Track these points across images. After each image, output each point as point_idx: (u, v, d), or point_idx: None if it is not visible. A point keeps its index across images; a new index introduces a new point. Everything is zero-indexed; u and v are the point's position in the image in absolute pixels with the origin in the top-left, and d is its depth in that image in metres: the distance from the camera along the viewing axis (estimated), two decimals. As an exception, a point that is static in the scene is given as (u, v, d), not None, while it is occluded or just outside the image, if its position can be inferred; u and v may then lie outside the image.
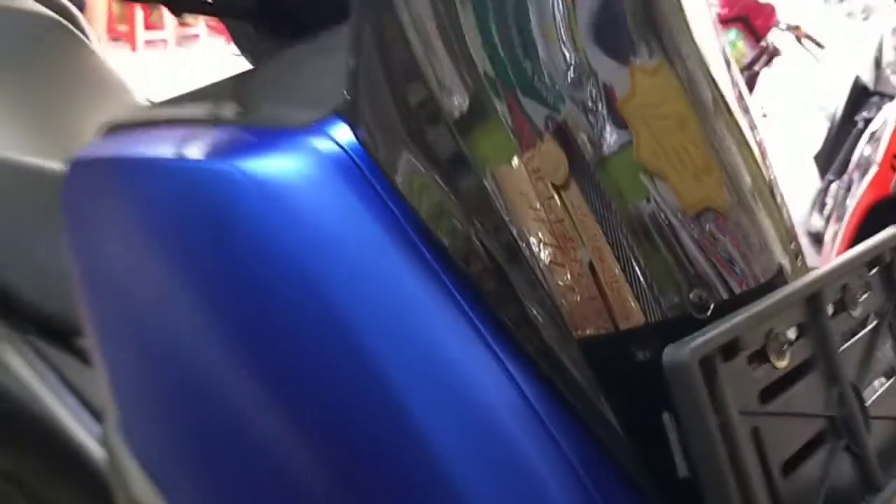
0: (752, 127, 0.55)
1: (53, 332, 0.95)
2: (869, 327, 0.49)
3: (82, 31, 1.13)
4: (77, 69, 1.10)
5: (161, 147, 0.45)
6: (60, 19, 1.13)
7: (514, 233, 0.43)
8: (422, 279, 0.43)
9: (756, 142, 0.55)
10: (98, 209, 0.49)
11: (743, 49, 3.32)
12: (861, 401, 0.45)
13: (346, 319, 0.41)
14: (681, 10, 0.50)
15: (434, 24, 0.43)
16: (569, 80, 0.46)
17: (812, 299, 0.43)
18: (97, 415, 0.93)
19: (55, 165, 0.94)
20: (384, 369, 0.41)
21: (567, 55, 0.45)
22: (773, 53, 3.52)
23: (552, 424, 0.43)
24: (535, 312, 0.43)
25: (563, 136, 0.45)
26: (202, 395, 0.45)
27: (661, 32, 0.49)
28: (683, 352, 0.35)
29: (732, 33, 3.31)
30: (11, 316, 0.95)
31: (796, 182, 2.63)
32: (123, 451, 0.50)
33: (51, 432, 0.92)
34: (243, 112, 0.45)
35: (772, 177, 0.56)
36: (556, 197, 0.44)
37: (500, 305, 0.43)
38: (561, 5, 0.45)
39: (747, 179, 0.52)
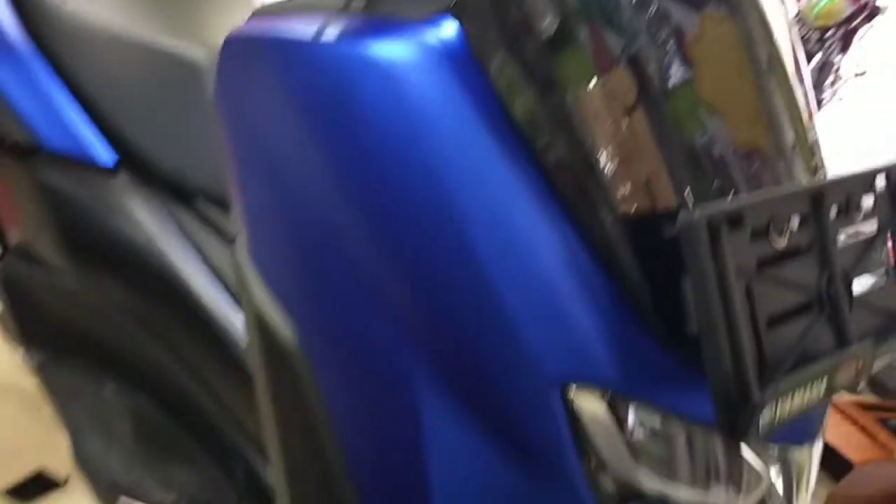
0: (805, 94, 0.64)
1: (179, 193, 1.10)
2: (869, 233, 0.58)
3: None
4: None
5: (299, 30, 0.57)
6: None
7: (587, 143, 0.53)
8: (506, 157, 0.53)
9: (805, 106, 0.64)
10: (246, 79, 0.61)
11: (841, 4, 3.25)
12: (849, 285, 0.54)
13: (441, 178, 0.53)
14: None
15: None
16: (646, 17, 0.56)
17: (816, 196, 0.53)
18: (212, 267, 1.08)
19: (188, 51, 1.08)
20: (467, 220, 0.53)
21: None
22: (874, 11, 3.42)
23: (595, 280, 0.54)
24: (593, 198, 0.54)
25: (636, 65, 0.55)
26: (322, 228, 0.57)
27: None
28: (694, 214, 0.46)
29: (831, -16, 3.23)
30: (142, 174, 1.10)
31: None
32: (250, 268, 0.63)
33: (170, 278, 1.07)
34: (368, 4, 0.56)
35: (814, 139, 0.66)
36: (625, 118, 0.54)
37: (566, 188, 0.54)
38: None
39: (791, 135, 0.62)
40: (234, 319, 1.06)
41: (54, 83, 1.14)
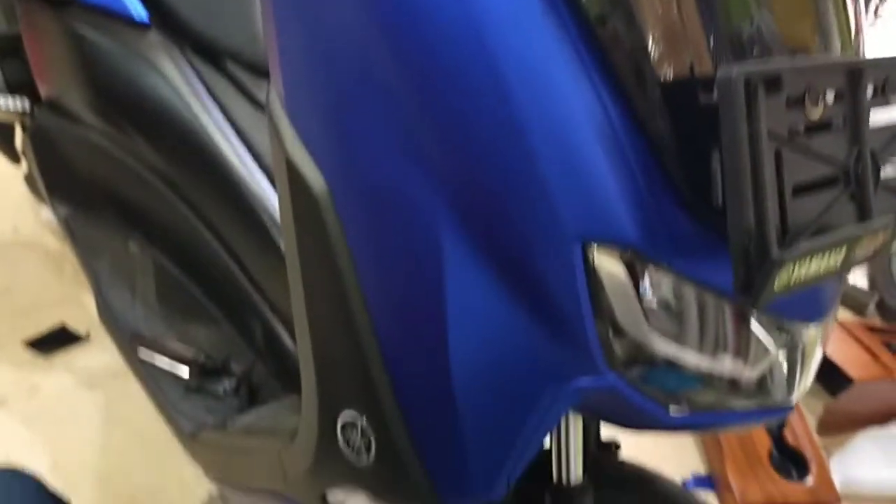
0: (856, 7, 0.62)
1: (209, 54, 1.10)
2: (904, 118, 0.58)
3: None
4: None
5: None
6: None
7: (633, 8, 0.53)
8: (549, 9, 0.53)
9: (855, 19, 0.63)
10: None
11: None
12: (876, 165, 0.55)
13: (484, 24, 0.52)
14: None
15: None
16: None
17: (855, 71, 0.53)
18: (238, 130, 1.09)
19: None
20: (506, 67, 0.53)
21: None
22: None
23: (627, 141, 0.54)
24: (634, 59, 0.54)
25: None
26: (359, 72, 0.58)
27: None
28: (733, 70, 0.46)
29: None
30: (174, 32, 1.10)
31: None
32: (282, 117, 0.64)
33: (196, 138, 1.08)
34: None
35: (861, 53, 0.65)
36: (675, 5, 0.54)
37: (608, 46, 0.54)
38: None
39: (838, 44, 0.61)
40: (258, 182, 1.08)
41: None
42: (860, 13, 0.65)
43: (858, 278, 2.40)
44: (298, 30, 0.62)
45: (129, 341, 1.20)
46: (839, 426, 1.80)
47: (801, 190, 0.51)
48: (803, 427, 1.74)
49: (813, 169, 0.52)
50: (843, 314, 2.26)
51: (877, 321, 2.23)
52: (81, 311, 1.86)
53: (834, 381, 1.83)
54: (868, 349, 1.87)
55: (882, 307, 2.27)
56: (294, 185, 0.64)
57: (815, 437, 1.75)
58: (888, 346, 1.95)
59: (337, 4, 0.58)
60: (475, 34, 0.53)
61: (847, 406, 1.79)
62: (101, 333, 1.29)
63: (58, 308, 1.88)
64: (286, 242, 0.69)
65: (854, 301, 2.32)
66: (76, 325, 1.84)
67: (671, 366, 0.60)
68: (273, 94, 0.65)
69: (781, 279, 0.47)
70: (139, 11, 1.13)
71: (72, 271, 1.95)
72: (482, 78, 0.54)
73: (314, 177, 0.63)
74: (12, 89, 1.39)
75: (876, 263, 2.34)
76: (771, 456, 1.67)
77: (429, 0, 0.54)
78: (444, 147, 0.56)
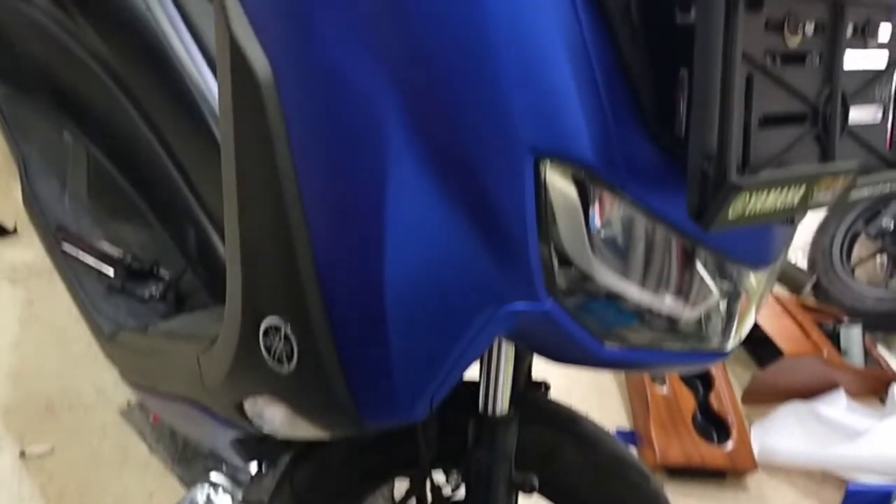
0: None
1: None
2: (879, 64, 0.56)
3: None
4: None
5: None
6: None
7: None
8: None
9: None
10: None
11: None
12: (846, 108, 0.53)
13: None
14: None
15: None
16: None
17: (836, 5, 0.50)
18: (193, 27, 1.02)
19: None
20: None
21: None
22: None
23: (595, 58, 0.51)
24: None
25: None
26: None
27: None
28: (716, -25, 0.43)
29: None
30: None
31: None
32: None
33: (148, 32, 1.02)
34: None
35: None
36: None
37: None
38: None
39: None
40: (206, 78, 1.03)
41: None
42: None
43: (799, 258, 2.43)
44: None
45: (53, 233, 1.14)
46: (764, 397, 1.83)
47: (768, 122, 0.49)
48: (729, 394, 1.76)
49: (782, 102, 0.50)
50: (780, 291, 2.29)
51: (812, 301, 2.27)
52: (10, 203, 1.77)
53: (764, 352, 1.86)
54: (801, 325, 1.91)
55: (818, 288, 2.31)
56: (236, 68, 0.60)
57: (740, 405, 1.78)
58: (820, 325, 1.99)
59: None
60: None
61: (774, 378, 1.82)
62: (31, 229, 1.23)
63: (-15, 199, 1.79)
64: (223, 132, 0.65)
65: (792, 280, 2.36)
66: (4, 218, 1.76)
67: (611, 298, 0.58)
68: None
69: (737, 207, 0.45)
70: None
71: (4, 161, 1.86)
72: None
73: (258, 58, 0.58)
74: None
75: (817, 245, 2.37)
76: (695, 419, 1.70)
77: None
78: (402, 35, 0.52)
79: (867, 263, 2.39)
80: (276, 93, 0.58)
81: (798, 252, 2.44)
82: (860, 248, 2.39)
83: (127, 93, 1.13)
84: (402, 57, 0.53)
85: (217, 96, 0.97)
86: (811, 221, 2.41)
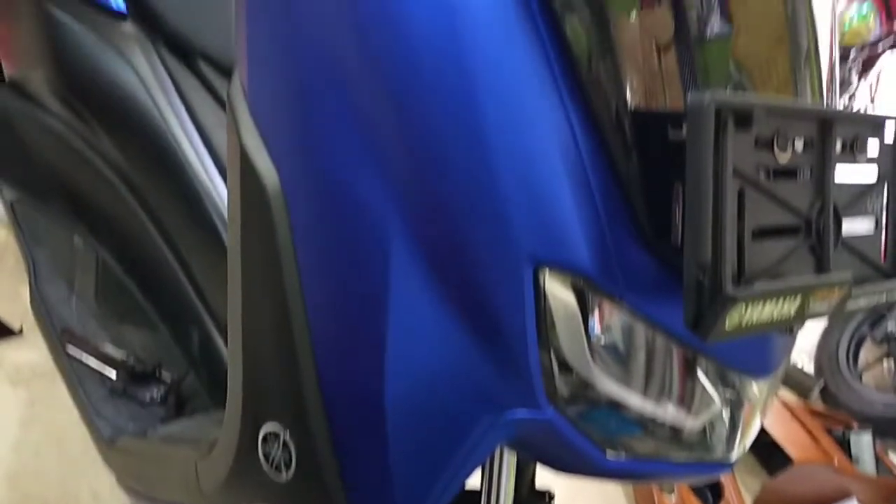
0: (831, 100, 0.63)
1: (181, 50, 1.08)
2: (869, 179, 0.57)
3: None
4: None
5: None
6: None
7: (615, 54, 0.52)
8: (528, 34, 0.52)
9: (832, 100, 0.63)
10: None
11: (872, 24, 3.24)
12: (838, 220, 0.54)
13: (459, 37, 0.51)
14: None
15: None
16: None
17: (826, 122, 0.52)
18: (202, 130, 1.06)
19: None
20: (476, 82, 0.52)
21: None
22: (900, 40, 3.41)
23: (592, 170, 0.53)
24: (608, 92, 0.53)
25: (677, 7, 0.54)
26: (327, 69, 0.56)
27: None
28: (706, 97, 0.45)
29: (866, 6, 3.22)
30: (149, 26, 1.08)
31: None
32: (242, 106, 0.62)
33: (158, 135, 1.05)
34: None
35: None
36: (656, 54, 0.54)
37: (583, 77, 0.53)
38: None
39: (810, 98, 0.61)
40: (215, 185, 1.05)
41: None
42: (836, 72, 0.65)
43: (805, 362, 2.41)
44: (268, 20, 0.60)
45: (58, 335, 1.15)
46: (774, 507, 1.79)
47: (762, 234, 0.50)
48: (738, 502, 1.72)
49: (775, 214, 0.51)
50: (788, 396, 2.27)
51: (820, 406, 2.24)
52: (18, 304, 1.78)
53: (773, 460, 1.83)
54: (810, 432, 1.87)
55: (826, 393, 2.28)
56: (245, 177, 0.62)
57: (750, 514, 1.74)
58: (829, 431, 1.96)
59: (317, 17, 0.56)
60: (451, 45, 0.52)
61: (784, 486, 1.78)
62: (36, 331, 1.24)
63: (-7, 299, 1.80)
64: (230, 237, 0.66)
65: (799, 385, 2.33)
66: (11, 318, 1.76)
67: (613, 406, 0.58)
68: (236, 82, 0.63)
69: (733, 318, 0.46)
70: (118, 1, 1.11)
71: (14, 262, 1.88)
72: (453, 89, 0.52)
73: (267, 169, 0.60)
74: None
75: (823, 349, 2.36)
76: (703, 528, 1.66)
77: (406, 5, 0.52)
78: (406, 153, 0.54)
79: (875, 368, 2.37)
80: (283, 203, 0.60)
81: (804, 356, 2.42)
82: (866, 353, 2.38)
83: (138, 197, 1.15)
84: (405, 171, 0.54)
85: (226, 202, 1.00)
86: (816, 325, 2.40)
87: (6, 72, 1.28)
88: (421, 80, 0.52)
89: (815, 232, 0.53)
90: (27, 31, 1.18)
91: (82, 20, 1.11)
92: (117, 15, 1.11)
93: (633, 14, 0.54)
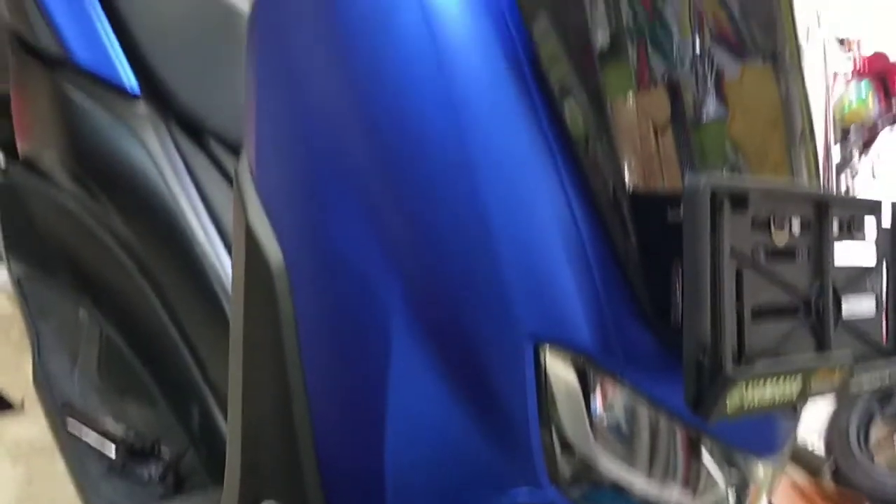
0: (828, 181, 0.65)
1: (192, 130, 1.11)
2: (868, 261, 0.58)
3: None
4: None
5: None
6: None
7: (613, 136, 0.54)
8: (528, 113, 0.54)
9: (829, 182, 0.65)
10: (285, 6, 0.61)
11: (871, 104, 3.30)
12: (838, 301, 0.54)
13: (460, 118, 0.53)
14: (796, 46, 0.61)
15: None
16: (690, 52, 0.57)
17: (821, 204, 0.53)
18: (211, 209, 1.08)
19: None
20: (478, 162, 0.53)
21: (694, 39, 0.57)
22: (900, 119, 3.47)
23: (591, 249, 0.54)
24: (604, 169, 0.54)
25: (673, 90, 0.56)
26: (332, 149, 0.57)
27: (777, 55, 0.59)
28: (701, 180, 0.46)
29: (864, 86, 3.29)
30: (161, 105, 1.11)
31: None
32: (249, 185, 0.63)
33: (166, 212, 1.07)
34: None
35: None
36: (653, 136, 0.55)
37: (581, 156, 0.54)
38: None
39: (806, 180, 0.63)
40: (223, 263, 1.06)
41: (94, 2, 1.15)
42: (831, 153, 0.66)
43: (815, 442, 2.37)
44: (277, 101, 0.62)
45: (59, 410, 1.14)
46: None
47: (762, 313, 0.50)
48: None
49: (774, 295, 0.51)
50: (798, 476, 2.22)
51: (831, 486, 2.19)
52: (20, 377, 1.78)
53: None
54: (821, 513, 1.83)
55: (837, 473, 2.23)
56: (250, 254, 0.63)
57: None
58: (841, 513, 1.91)
59: (319, 83, 0.58)
60: (453, 129, 0.53)
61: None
62: (37, 405, 1.23)
63: (-4, 372, 1.80)
64: (233, 313, 0.67)
65: (809, 464, 2.29)
66: (13, 392, 1.76)
67: (616, 487, 0.57)
68: (243, 161, 0.65)
69: (734, 399, 0.46)
70: (131, 81, 1.14)
71: (18, 336, 1.88)
72: (455, 173, 0.53)
73: (272, 247, 0.61)
74: (-7, 144, 1.38)
75: (832, 428, 2.32)
76: None
77: (410, 89, 0.54)
78: (408, 233, 0.55)
79: (886, 446, 2.33)
80: (286, 280, 0.61)
81: (814, 435, 2.38)
82: (877, 431, 2.34)
83: (145, 272, 1.16)
84: (408, 251, 0.55)
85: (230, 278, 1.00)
86: (824, 404, 2.37)
87: (20, 149, 1.30)
88: (424, 164, 0.54)
89: (815, 312, 0.53)
90: (42, 109, 1.21)
91: (96, 99, 1.14)
92: (130, 95, 1.13)
93: (630, 97, 0.55)
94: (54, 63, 1.16)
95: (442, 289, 0.55)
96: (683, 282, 0.48)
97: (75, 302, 1.27)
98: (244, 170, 0.64)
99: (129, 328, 1.22)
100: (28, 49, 1.19)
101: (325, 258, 0.60)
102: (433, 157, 0.53)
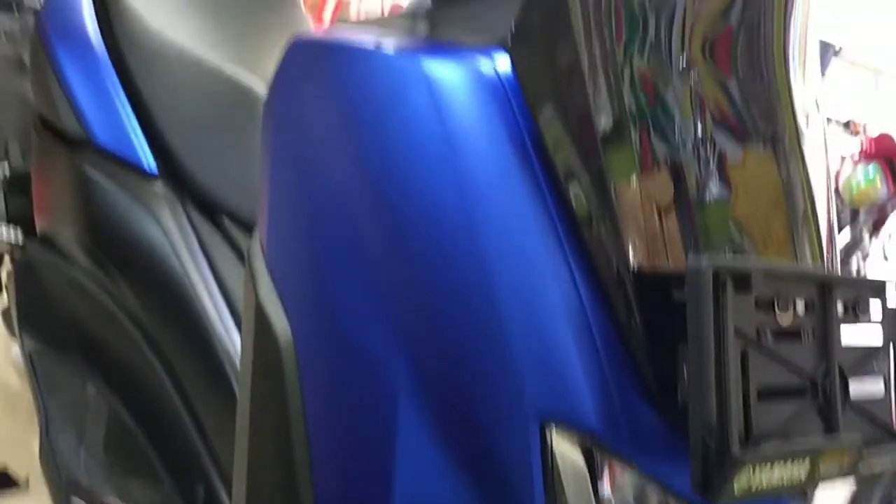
0: (831, 258, 0.65)
1: (208, 209, 1.13)
2: (875, 342, 0.58)
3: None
4: (284, 13, 1.31)
5: (361, 39, 0.60)
6: None
7: (618, 218, 0.55)
8: (535, 196, 0.55)
9: (832, 260, 0.65)
10: (300, 77, 0.64)
11: (879, 185, 3.33)
12: (845, 382, 0.54)
13: (468, 202, 0.54)
14: (796, 130, 0.62)
15: (596, 46, 0.55)
16: (692, 135, 0.58)
17: (825, 284, 0.53)
18: (224, 287, 1.09)
19: (248, 80, 1.14)
20: (486, 245, 0.54)
21: (696, 123, 0.58)
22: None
23: (597, 330, 0.54)
24: (609, 249, 0.55)
25: (676, 172, 0.58)
26: (343, 229, 0.59)
27: (778, 138, 0.61)
28: (703, 261, 0.46)
29: (871, 168, 3.33)
30: (178, 185, 1.13)
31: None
32: (260, 262, 0.64)
33: (179, 290, 1.08)
34: (430, 32, 0.60)
35: None
36: (657, 217, 0.56)
37: (587, 239, 0.55)
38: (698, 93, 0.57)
39: (810, 261, 0.63)
40: (234, 343, 1.07)
41: (115, 84, 1.19)
42: (835, 253, 0.67)
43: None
44: (289, 183, 0.64)
45: (64, 489, 1.13)
46: None
47: (768, 394, 0.50)
48: None
49: (780, 375, 0.51)
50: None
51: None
52: (26, 454, 1.76)
53: None
54: None
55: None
56: (259, 331, 0.64)
57: None
58: None
59: (330, 165, 0.60)
60: (462, 212, 0.55)
61: None
62: (41, 483, 1.22)
63: (3, 448, 1.78)
64: (240, 390, 0.67)
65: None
66: (18, 469, 1.74)
67: None
68: (255, 239, 0.66)
69: (741, 481, 0.45)
70: (149, 161, 1.17)
71: (26, 412, 1.88)
72: (462, 249, 0.54)
73: (281, 324, 0.62)
74: (12, 221, 1.41)
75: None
76: None
77: (418, 173, 0.56)
78: (415, 312, 0.56)
79: (909, 535, 2.26)
80: (294, 357, 0.61)
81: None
82: (899, 518, 2.27)
83: (155, 349, 1.16)
84: (415, 328, 0.56)
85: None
86: (844, 489, 2.31)
87: (39, 226, 1.33)
88: (432, 246, 0.55)
89: (823, 393, 0.53)
90: (62, 188, 1.24)
91: (114, 179, 1.17)
92: (148, 175, 1.16)
93: (634, 179, 0.57)
94: (76, 144, 1.20)
95: (449, 369, 0.55)
96: (688, 363, 0.48)
97: (84, 378, 1.27)
98: (256, 248, 0.66)
99: (137, 404, 1.22)
100: (51, 130, 1.23)
101: (334, 337, 0.60)
102: (441, 239, 0.55)
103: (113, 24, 1.21)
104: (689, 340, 0.47)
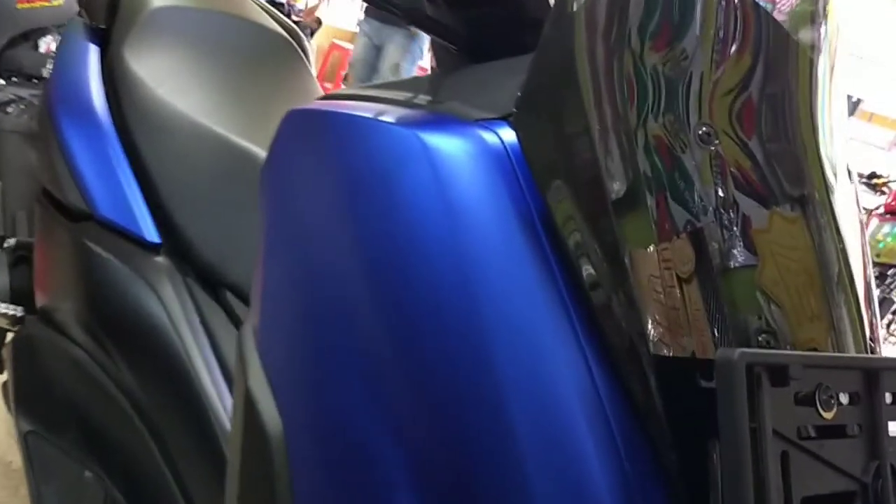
0: (872, 323, 0.60)
1: (210, 282, 1.09)
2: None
3: (305, 53, 1.32)
4: (294, 83, 1.29)
5: (361, 109, 0.56)
6: (289, 39, 1.32)
7: (635, 295, 0.50)
8: (543, 278, 0.50)
9: (870, 325, 0.60)
10: (299, 149, 0.60)
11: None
12: (899, 484, 0.48)
13: (472, 283, 0.50)
14: (827, 190, 0.57)
15: (608, 111, 0.51)
16: (714, 201, 0.54)
17: (870, 374, 0.48)
18: (224, 364, 1.04)
19: (254, 152, 1.11)
20: (491, 333, 0.49)
21: (717, 186, 0.53)
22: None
23: (615, 423, 0.49)
24: (626, 332, 0.50)
25: (698, 240, 0.52)
26: (339, 314, 0.54)
27: (806, 199, 0.56)
28: (735, 353, 0.41)
29: (896, 226, 3.27)
30: (181, 259, 1.10)
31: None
32: (252, 351, 0.60)
33: (178, 367, 1.04)
34: (432, 102, 0.56)
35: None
36: (678, 287, 0.51)
37: (601, 324, 0.50)
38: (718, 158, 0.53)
39: (852, 347, 0.57)
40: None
41: (120, 154, 1.17)
42: (876, 317, 0.61)
43: None
44: (284, 263, 0.60)
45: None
46: None
47: (813, 501, 0.44)
48: None
49: (826, 478, 0.45)
50: None
51: None
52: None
53: None
54: None
55: None
56: (249, 421, 0.59)
57: None
58: None
59: (326, 243, 0.56)
60: (466, 295, 0.50)
61: None
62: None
63: (2, 532, 1.72)
64: (229, 477, 0.62)
65: None
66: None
67: None
68: (248, 326, 0.62)
69: None
70: (152, 234, 1.14)
71: (27, 493, 1.82)
72: (467, 344, 0.50)
73: (270, 414, 0.57)
74: (15, 297, 1.38)
75: None
76: None
77: (419, 252, 0.51)
78: (414, 402, 0.51)
79: None
80: (283, 448, 0.57)
81: None
82: None
83: (151, 429, 1.12)
84: (412, 423, 0.51)
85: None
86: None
87: (38, 300, 1.30)
88: (434, 332, 0.50)
89: (874, 496, 0.47)
90: (61, 263, 1.21)
91: (118, 254, 1.13)
92: (150, 247, 1.13)
93: (651, 248, 0.51)
94: (77, 216, 1.17)
95: (449, 460, 0.50)
96: (722, 466, 0.42)
97: (81, 462, 1.22)
98: (248, 332, 0.61)
99: (134, 491, 1.16)
100: (54, 202, 1.21)
101: (327, 428, 0.55)
102: (444, 330, 0.50)
103: (119, 92, 1.20)
104: (722, 443, 0.42)
